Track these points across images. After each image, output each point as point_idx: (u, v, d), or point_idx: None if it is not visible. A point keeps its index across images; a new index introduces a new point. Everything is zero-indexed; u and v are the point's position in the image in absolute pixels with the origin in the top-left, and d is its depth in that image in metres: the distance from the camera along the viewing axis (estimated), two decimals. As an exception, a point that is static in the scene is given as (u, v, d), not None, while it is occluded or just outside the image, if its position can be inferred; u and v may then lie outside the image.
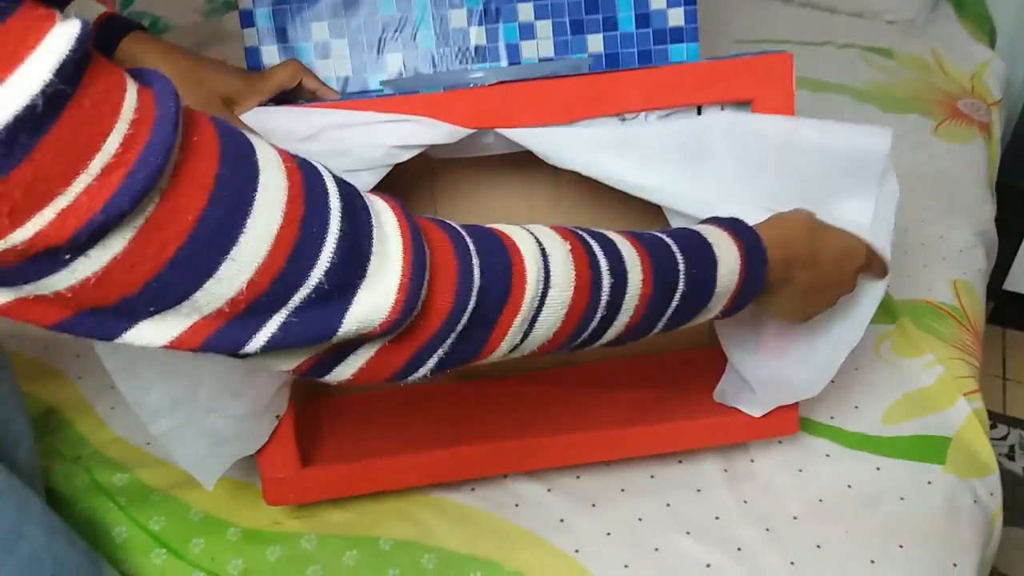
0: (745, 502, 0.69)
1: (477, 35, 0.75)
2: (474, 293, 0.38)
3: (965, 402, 0.77)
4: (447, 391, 0.77)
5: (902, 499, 0.69)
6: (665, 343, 0.82)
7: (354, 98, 0.66)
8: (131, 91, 0.29)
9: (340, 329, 0.34)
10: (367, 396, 0.77)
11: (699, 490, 0.71)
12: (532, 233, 0.42)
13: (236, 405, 0.59)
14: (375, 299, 0.35)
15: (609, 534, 0.68)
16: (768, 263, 0.51)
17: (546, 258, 0.41)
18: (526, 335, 0.42)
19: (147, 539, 0.69)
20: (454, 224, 0.41)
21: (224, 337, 0.33)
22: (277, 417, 0.62)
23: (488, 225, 0.42)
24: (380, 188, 0.59)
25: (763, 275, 0.51)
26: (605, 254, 0.44)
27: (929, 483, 0.70)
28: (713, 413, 0.69)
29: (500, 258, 0.40)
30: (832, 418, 0.76)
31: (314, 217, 0.33)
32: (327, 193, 0.34)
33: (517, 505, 0.70)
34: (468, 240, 0.39)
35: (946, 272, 0.93)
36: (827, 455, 0.73)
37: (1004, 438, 1.33)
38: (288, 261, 0.32)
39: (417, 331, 0.38)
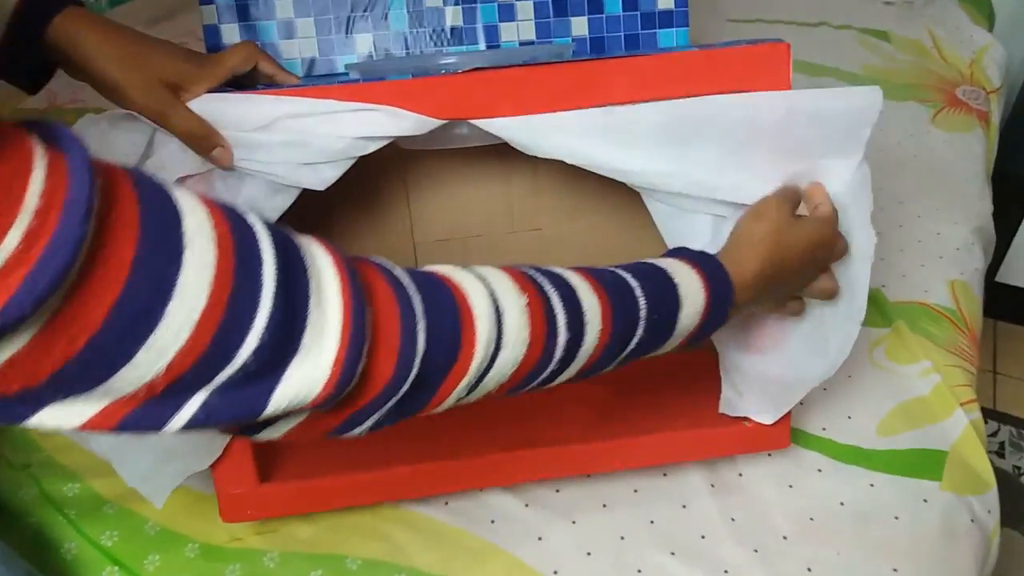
0: (733, 519, 0.66)
1: (453, 15, 0.70)
2: (417, 361, 0.35)
3: (963, 413, 0.73)
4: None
5: (896, 518, 0.66)
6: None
7: (318, 83, 0.61)
8: (38, 172, 0.25)
9: (268, 408, 0.31)
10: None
11: (684, 506, 0.67)
12: (487, 285, 0.39)
13: None
14: (307, 374, 0.31)
15: (589, 553, 0.64)
16: (734, 301, 0.49)
17: (500, 317, 0.38)
18: (472, 391, 0.39)
19: (99, 556, 0.65)
20: (401, 274, 0.37)
21: (141, 418, 0.30)
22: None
23: (441, 271, 0.39)
24: (347, 179, 0.55)
25: (726, 314, 0.49)
26: (564, 305, 0.41)
27: (925, 501, 0.67)
28: (699, 424, 0.65)
29: (449, 320, 0.36)
30: (824, 429, 0.73)
31: (244, 294, 0.29)
32: (261, 262, 0.30)
33: (493, 521, 0.67)
34: (416, 298, 0.36)
35: (943, 272, 0.89)
36: (819, 469, 0.69)
37: (994, 435, 1.31)
38: (212, 342, 0.29)
39: (353, 398, 0.35)
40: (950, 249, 0.92)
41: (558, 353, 0.41)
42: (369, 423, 0.37)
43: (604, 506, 0.68)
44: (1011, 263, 1.45)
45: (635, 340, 0.45)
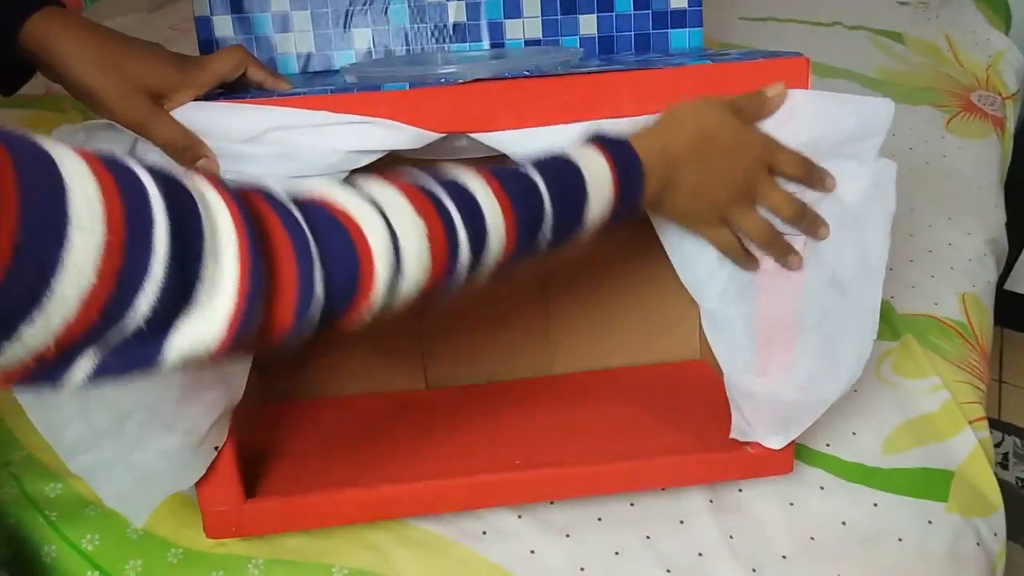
0: (731, 537, 0.64)
1: (456, 11, 0.68)
2: (316, 308, 0.36)
3: (971, 431, 0.71)
4: (410, 413, 0.71)
5: (900, 540, 0.64)
6: (651, 355, 0.77)
7: (312, 82, 0.59)
8: None
9: (163, 364, 0.32)
10: (322, 422, 0.71)
11: (682, 521, 0.65)
12: (384, 216, 0.39)
13: (168, 439, 0.52)
14: (201, 330, 0.32)
15: (583, 569, 0.63)
16: (643, 192, 0.49)
17: (398, 251, 0.39)
18: (373, 317, 0.40)
19: (79, 560, 0.63)
20: (297, 214, 0.37)
21: (34, 379, 0.30)
22: (216, 448, 0.56)
23: (335, 202, 0.38)
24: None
25: (635, 206, 0.49)
26: (466, 225, 0.41)
27: (930, 523, 0.65)
28: (701, 447, 0.63)
29: (346, 263, 0.37)
30: (828, 445, 0.70)
31: (135, 264, 0.29)
32: (152, 226, 0.30)
33: (485, 532, 0.65)
34: (312, 241, 0.36)
35: (954, 284, 0.87)
36: (821, 487, 0.67)
37: (999, 445, 1.29)
38: (101, 315, 0.29)
39: (253, 344, 0.36)
40: (962, 260, 0.90)
41: (461, 272, 0.42)
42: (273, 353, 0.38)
43: (599, 520, 0.66)
44: (1020, 271, 1.42)
45: (541, 242, 0.45)
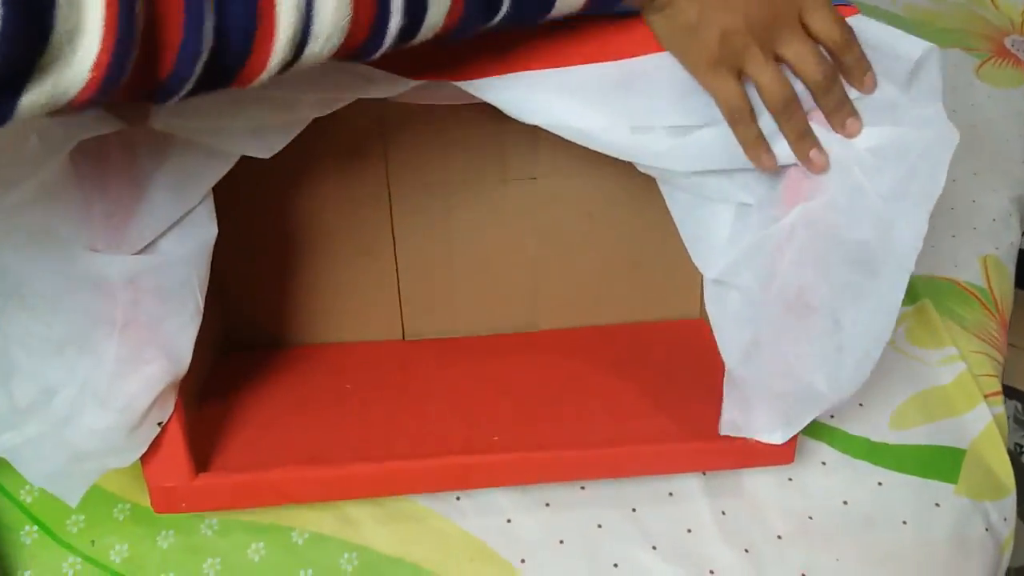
0: (723, 514, 0.60)
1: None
2: (200, 62, 0.31)
3: (986, 407, 0.67)
4: (384, 369, 0.66)
5: (904, 523, 0.60)
6: (647, 312, 0.71)
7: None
8: None
9: (14, 117, 0.27)
10: (287, 379, 0.65)
11: (671, 495, 0.61)
12: None
13: (102, 416, 0.46)
14: (61, 80, 0.27)
15: (562, 542, 0.58)
16: None
17: (310, 9, 0.32)
18: (275, 76, 0.34)
19: (18, 513, 0.59)
20: None
21: None
22: (159, 424, 0.50)
23: None
24: (308, 137, 0.46)
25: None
26: None
27: (937, 505, 0.61)
28: (696, 433, 0.58)
29: (243, 12, 0.31)
30: (832, 417, 0.66)
31: None
32: None
33: (458, 499, 0.60)
34: None
35: (976, 245, 0.81)
36: (823, 463, 0.63)
37: (999, 410, 1.25)
38: None
39: (126, 89, 0.30)
40: (986, 220, 0.84)
41: (387, 40, 0.35)
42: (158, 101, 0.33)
43: (582, 488, 0.61)
44: (1037, 230, 1.36)
45: (494, 16, 0.38)
